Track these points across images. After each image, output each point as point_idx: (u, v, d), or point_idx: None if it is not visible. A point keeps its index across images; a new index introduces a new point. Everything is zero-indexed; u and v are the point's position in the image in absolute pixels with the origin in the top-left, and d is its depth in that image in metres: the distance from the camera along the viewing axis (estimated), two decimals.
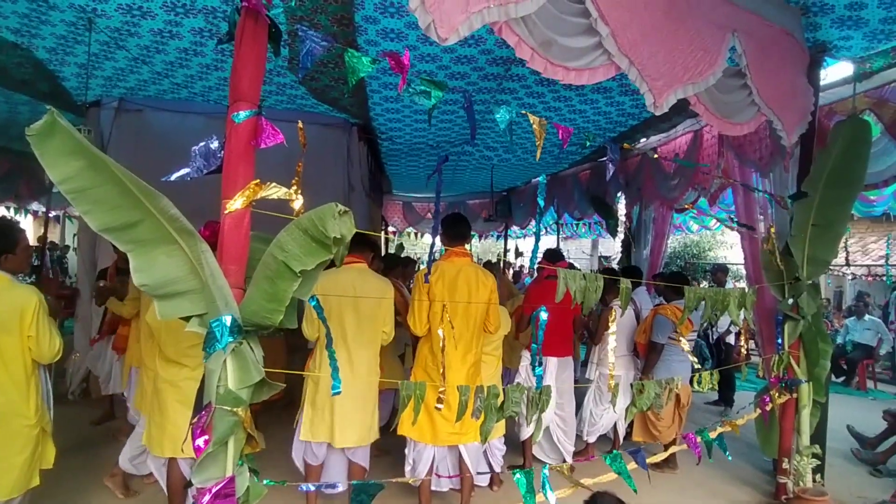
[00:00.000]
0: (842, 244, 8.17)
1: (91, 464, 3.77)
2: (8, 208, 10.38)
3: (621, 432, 4.51)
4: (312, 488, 2.75)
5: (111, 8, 3.35)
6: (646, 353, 4.33)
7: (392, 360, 4.24)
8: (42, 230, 7.98)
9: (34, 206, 10.77)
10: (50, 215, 8.56)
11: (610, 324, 3.66)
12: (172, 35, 3.71)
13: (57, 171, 1.46)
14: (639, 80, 2.42)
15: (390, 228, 12.65)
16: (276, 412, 4.31)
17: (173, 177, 1.68)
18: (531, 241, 17.84)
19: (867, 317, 8.74)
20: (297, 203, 1.63)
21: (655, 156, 2.50)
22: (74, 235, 8.87)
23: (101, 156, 1.49)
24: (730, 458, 3.01)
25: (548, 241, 14.05)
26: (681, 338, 3.62)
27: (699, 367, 3.43)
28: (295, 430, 3.17)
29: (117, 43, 3.88)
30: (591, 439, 4.45)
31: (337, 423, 2.99)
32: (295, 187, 1.65)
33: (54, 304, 3.02)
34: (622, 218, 7.57)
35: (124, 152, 4.73)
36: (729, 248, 17.07)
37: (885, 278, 11.24)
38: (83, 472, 3.63)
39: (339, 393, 2.10)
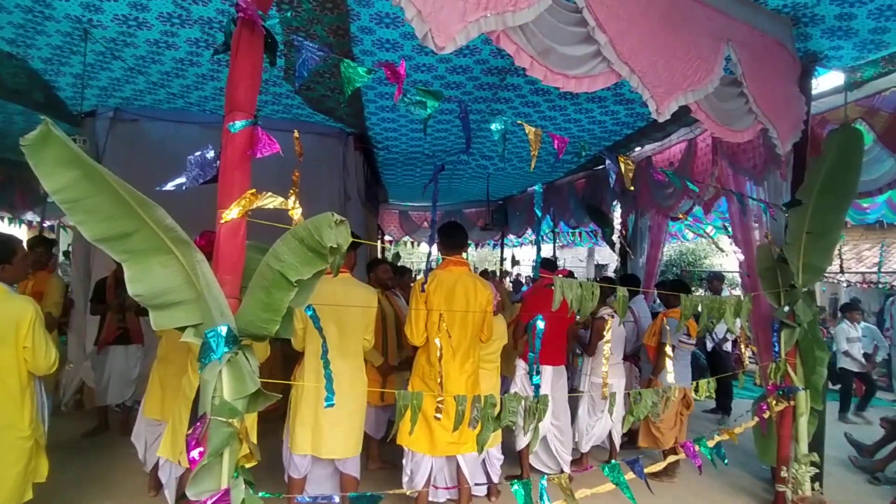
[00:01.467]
0: (836, 251, 8.21)
1: (83, 477, 3.72)
2: (2, 218, 10.33)
3: (617, 442, 4.49)
4: (309, 500, 2.72)
5: (107, 18, 3.35)
6: (655, 356, 4.34)
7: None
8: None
9: (29, 216, 10.71)
10: (45, 225, 8.52)
11: (605, 333, 3.66)
12: (168, 45, 3.72)
13: (51, 181, 1.46)
14: (640, 88, 2.44)
15: (387, 237, 12.64)
16: (272, 424, 4.29)
17: (168, 186, 1.68)
18: (527, 249, 17.85)
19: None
20: (297, 213, 1.63)
21: (631, 188, 2.53)
22: (69, 245, 8.82)
23: (95, 166, 1.48)
24: (727, 463, 2.99)
25: (544, 250, 14.08)
26: (668, 349, 3.59)
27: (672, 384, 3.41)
28: (283, 440, 3.14)
29: (113, 53, 3.89)
30: (585, 449, 4.43)
31: (320, 433, 2.95)
32: (293, 197, 1.64)
33: (50, 316, 3.00)
34: (617, 226, 7.60)
35: (120, 162, 4.73)
36: (724, 256, 17.13)
37: (879, 285, 11.29)
38: (76, 486, 3.58)
39: (332, 405, 2.08)
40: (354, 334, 3.08)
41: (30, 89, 4.72)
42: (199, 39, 3.61)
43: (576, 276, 4.62)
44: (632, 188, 2.86)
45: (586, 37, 2.26)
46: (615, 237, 7.50)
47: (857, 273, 12.28)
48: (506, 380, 4.72)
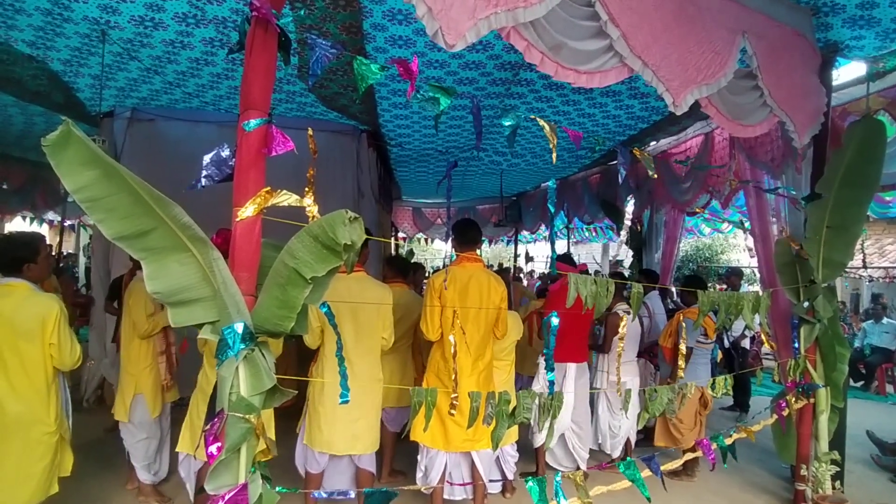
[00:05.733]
0: (858, 246, 8.04)
1: (106, 470, 3.80)
2: (24, 217, 10.55)
3: (633, 438, 4.46)
4: (325, 495, 2.75)
5: (124, 20, 3.40)
6: (672, 358, 4.28)
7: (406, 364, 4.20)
8: (57, 239, 8.11)
9: (50, 215, 10.94)
10: (65, 224, 8.69)
11: (620, 330, 3.62)
12: (184, 45, 3.76)
13: (72, 180, 1.48)
14: (655, 81, 2.41)
15: (400, 234, 12.67)
16: (288, 419, 4.33)
17: (189, 186, 1.70)
18: (541, 245, 17.76)
19: (885, 319, 8.59)
20: (314, 210, 1.64)
21: (654, 175, 2.45)
22: (88, 244, 8.99)
23: (114, 165, 1.51)
24: (736, 459, 2.95)
25: (558, 246, 13.98)
26: (682, 348, 3.53)
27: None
28: (298, 435, 3.16)
29: (130, 54, 3.94)
30: (616, 454, 4.32)
31: (337, 431, 2.97)
32: (310, 195, 1.65)
33: (70, 312, 3.05)
34: (627, 222, 7.55)
35: (137, 161, 4.80)
36: (742, 251, 16.88)
37: None
38: (98, 479, 3.66)
39: (346, 402, 2.10)
40: (370, 332, 3.10)
41: (50, 91, 4.80)
42: (214, 39, 3.64)
43: (590, 272, 4.57)
44: (655, 175, 2.81)
45: (598, 31, 2.23)
46: (624, 232, 7.46)
47: (879, 268, 12.03)
48: (520, 378, 4.71)
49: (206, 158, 1.72)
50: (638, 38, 2.29)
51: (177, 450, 3.01)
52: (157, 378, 3.43)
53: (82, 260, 11.80)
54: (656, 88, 2.45)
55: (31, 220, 10.58)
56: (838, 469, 3.56)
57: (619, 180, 2.69)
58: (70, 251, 13.22)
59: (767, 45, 2.96)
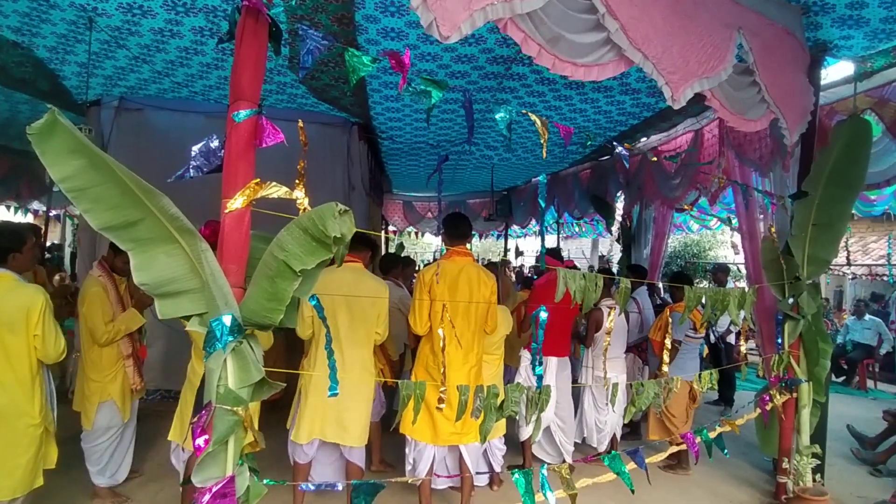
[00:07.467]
0: (842, 244, 8.16)
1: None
2: (8, 207, 10.38)
3: (618, 432, 4.51)
4: (312, 487, 2.75)
5: (112, 7, 3.35)
6: (662, 351, 4.33)
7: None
8: (43, 229, 7.99)
9: (35, 205, 10.77)
10: (51, 214, 8.56)
11: (609, 325, 3.65)
12: (173, 34, 3.71)
13: (57, 169, 1.46)
14: (655, 74, 2.41)
15: (391, 228, 12.64)
16: (277, 412, 4.32)
17: (175, 177, 1.68)
18: (531, 240, 17.82)
19: (867, 316, 8.73)
20: (304, 202, 1.63)
21: (654, 158, 2.50)
22: (74, 234, 8.86)
23: (101, 154, 1.49)
24: (726, 453, 3.00)
25: (548, 241, 14.03)
26: (668, 342, 3.58)
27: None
28: (288, 429, 3.16)
29: (118, 42, 3.88)
30: (602, 447, 4.37)
31: (327, 419, 2.97)
32: (300, 187, 1.65)
33: (55, 304, 3.02)
34: (618, 217, 7.60)
35: (125, 151, 4.74)
36: (729, 248, 17.04)
37: (886, 278, 11.24)
38: (83, 471, 3.61)
39: (336, 394, 2.10)
40: (364, 324, 3.09)
41: (35, 78, 4.72)
42: (204, 28, 3.60)
43: (578, 267, 4.59)
44: (654, 159, 2.83)
45: (596, 24, 2.23)
46: (614, 228, 7.51)
47: (863, 265, 12.22)
48: (509, 370, 4.73)
49: (195, 149, 1.71)
50: (638, 29, 2.29)
51: (168, 438, 3.00)
52: (126, 382, 3.32)
53: (67, 250, 11.63)
54: (656, 81, 2.45)
55: (16, 209, 10.41)
56: (819, 462, 3.63)
57: (626, 165, 2.70)
58: (55, 241, 13.03)
59: (761, 42, 2.99)
